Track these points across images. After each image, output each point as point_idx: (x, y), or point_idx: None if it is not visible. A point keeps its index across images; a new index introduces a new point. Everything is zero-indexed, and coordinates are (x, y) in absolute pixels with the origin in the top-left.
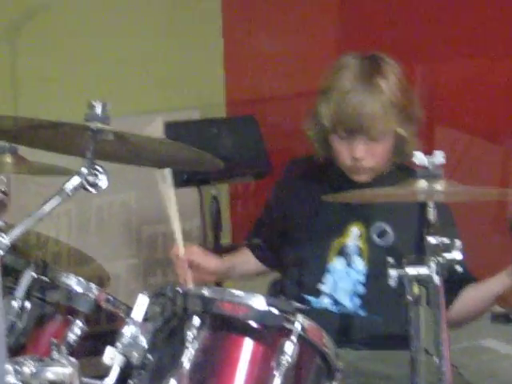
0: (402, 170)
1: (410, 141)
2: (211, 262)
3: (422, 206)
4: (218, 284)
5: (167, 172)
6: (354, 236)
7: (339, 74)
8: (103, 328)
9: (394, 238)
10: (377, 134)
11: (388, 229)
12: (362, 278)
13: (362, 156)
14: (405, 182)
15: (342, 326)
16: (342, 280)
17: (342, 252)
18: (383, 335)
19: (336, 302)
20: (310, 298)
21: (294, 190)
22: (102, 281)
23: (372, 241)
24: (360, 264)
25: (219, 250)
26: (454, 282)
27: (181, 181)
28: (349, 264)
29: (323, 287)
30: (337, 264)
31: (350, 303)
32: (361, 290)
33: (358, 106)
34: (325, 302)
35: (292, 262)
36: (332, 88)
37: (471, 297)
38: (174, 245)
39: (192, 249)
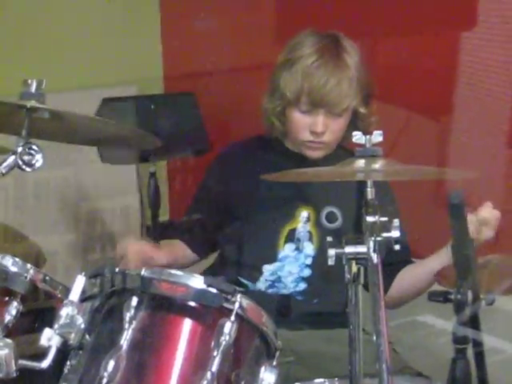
0: (345, 151)
1: (366, 119)
2: (162, 257)
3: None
4: None
5: None
6: (303, 220)
7: (302, 48)
8: (40, 305)
9: (343, 220)
10: (340, 108)
11: (337, 212)
12: (309, 261)
13: (323, 130)
14: (344, 161)
15: (279, 308)
16: (290, 264)
17: (292, 237)
18: (321, 315)
19: (275, 285)
20: (247, 282)
21: (236, 172)
22: (38, 259)
23: (321, 224)
24: (309, 248)
25: (157, 227)
26: (394, 262)
27: (118, 158)
28: (298, 249)
29: (267, 272)
30: (287, 250)
31: (294, 286)
32: (307, 272)
33: (324, 79)
34: (262, 285)
35: (233, 246)
36: (296, 61)
37: (409, 276)
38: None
39: (142, 248)
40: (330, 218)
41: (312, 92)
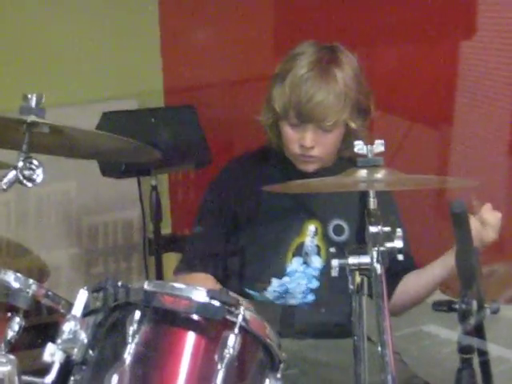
0: (349, 162)
1: (359, 134)
2: None
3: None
4: None
5: None
6: (311, 234)
7: (295, 60)
8: (43, 320)
9: (350, 233)
10: (327, 123)
11: (344, 225)
12: (316, 273)
13: (311, 144)
14: (345, 171)
15: (285, 318)
16: (299, 278)
17: (300, 251)
18: (329, 325)
19: (283, 296)
20: (254, 292)
21: (241, 187)
22: (41, 273)
23: (329, 238)
24: (317, 262)
25: (159, 240)
26: (397, 271)
27: (119, 172)
28: (306, 262)
29: (276, 282)
30: (294, 264)
31: (302, 297)
32: (315, 284)
33: (311, 93)
34: (270, 295)
35: (239, 259)
36: (287, 73)
37: (413, 282)
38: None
39: None
40: (338, 230)
41: (298, 106)
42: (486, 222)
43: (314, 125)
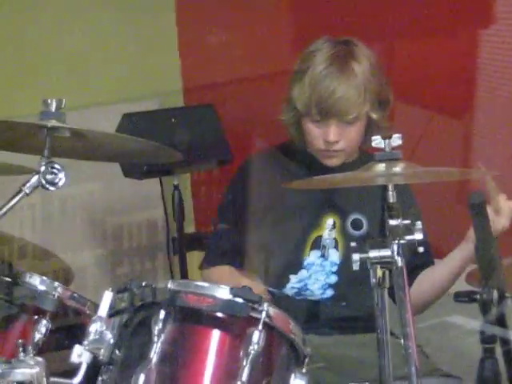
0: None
1: (381, 125)
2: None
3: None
4: None
5: None
6: (329, 228)
7: (313, 57)
8: (70, 322)
9: (368, 227)
10: (350, 116)
11: (363, 219)
12: (334, 268)
13: (335, 139)
14: (365, 166)
15: (306, 313)
16: (317, 273)
17: (318, 245)
18: (349, 320)
19: (302, 293)
20: (273, 289)
21: (260, 182)
22: (66, 276)
23: (347, 232)
24: (335, 255)
25: (183, 239)
26: (415, 266)
27: (141, 173)
28: (323, 256)
29: (294, 279)
30: (312, 257)
31: (321, 293)
32: (333, 279)
33: (331, 89)
34: (289, 292)
35: (258, 255)
36: (306, 71)
37: (428, 278)
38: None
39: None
40: (356, 225)
41: (320, 102)
42: (500, 211)
43: (337, 119)
